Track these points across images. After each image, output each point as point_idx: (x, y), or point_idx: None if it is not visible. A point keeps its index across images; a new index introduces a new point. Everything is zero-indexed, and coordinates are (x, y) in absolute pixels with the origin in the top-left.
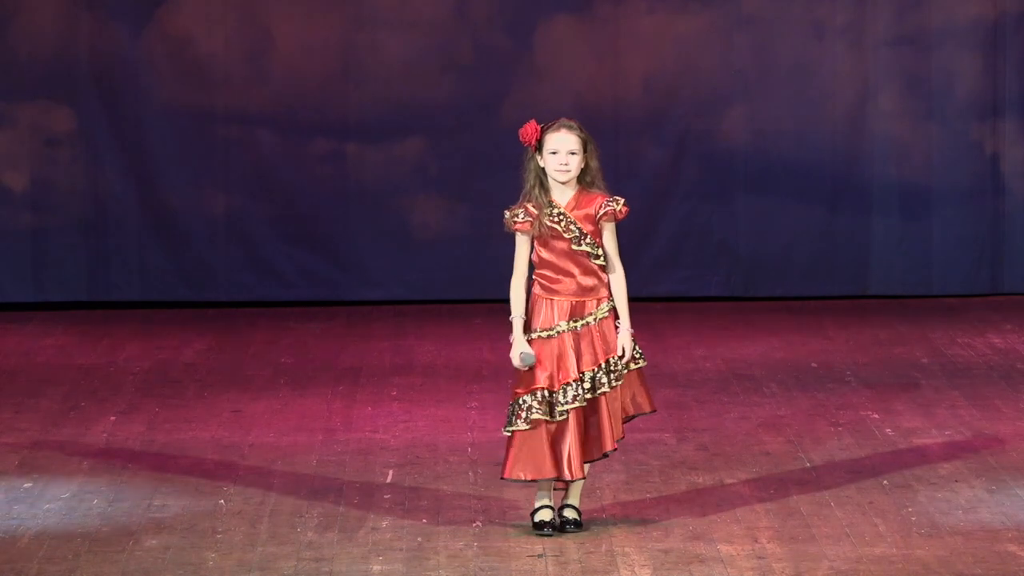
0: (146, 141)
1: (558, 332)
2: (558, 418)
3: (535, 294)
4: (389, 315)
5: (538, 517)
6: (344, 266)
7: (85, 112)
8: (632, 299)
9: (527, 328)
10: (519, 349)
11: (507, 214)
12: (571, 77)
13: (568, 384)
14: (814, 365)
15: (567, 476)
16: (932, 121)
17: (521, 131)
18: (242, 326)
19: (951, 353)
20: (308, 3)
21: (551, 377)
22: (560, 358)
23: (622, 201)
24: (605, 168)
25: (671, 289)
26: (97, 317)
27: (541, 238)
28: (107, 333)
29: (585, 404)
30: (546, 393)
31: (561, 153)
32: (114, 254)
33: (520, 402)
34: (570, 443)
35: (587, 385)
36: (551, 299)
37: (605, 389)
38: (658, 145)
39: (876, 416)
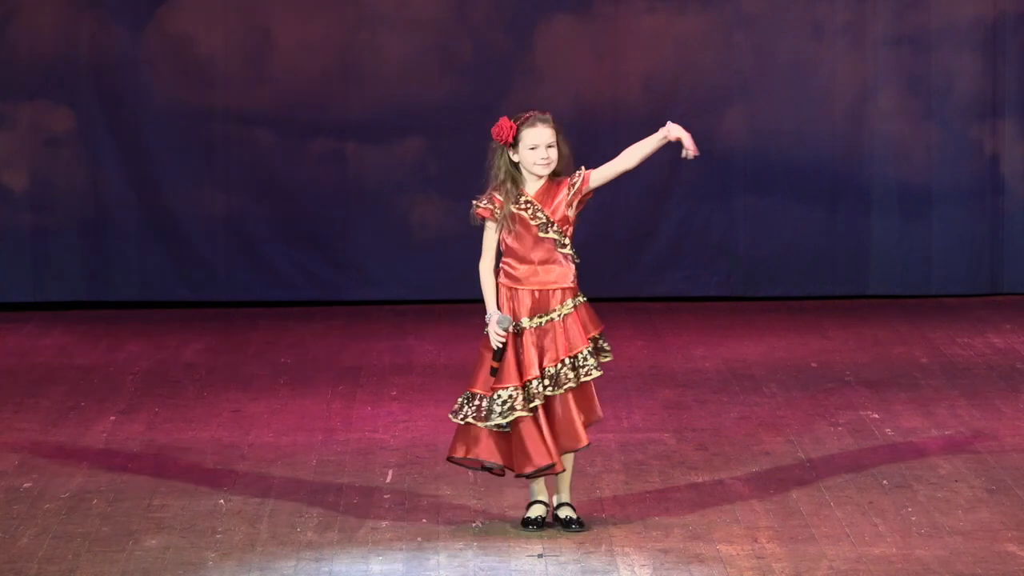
0: (146, 141)
1: (521, 329)
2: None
3: (500, 283)
4: (389, 315)
5: (531, 513)
6: (344, 266)
7: (85, 112)
8: (632, 299)
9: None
10: (495, 317)
11: (474, 203)
12: (571, 77)
13: (530, 381)
14: (814, 365)
15: (544, 463)
16: (932, 121)
17: (495, 129)
18: (242, 326)
19: (951, 353)
20: (308, 3)
21: (520, 373)
22: (524, 354)
23: (582, 168)
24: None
25: (671, 289)
26: (97, 317)
27: (508, 226)
28: (107, 333)
29: (544, 401)
30: (521, 388)
31: (541, 147)
32: (114, 254)
33: (495, 397)
34: (545, 434)
35: (547, 382)
36: (515, 289)
37: (571, 384)
38: None
39: (876, 416)
